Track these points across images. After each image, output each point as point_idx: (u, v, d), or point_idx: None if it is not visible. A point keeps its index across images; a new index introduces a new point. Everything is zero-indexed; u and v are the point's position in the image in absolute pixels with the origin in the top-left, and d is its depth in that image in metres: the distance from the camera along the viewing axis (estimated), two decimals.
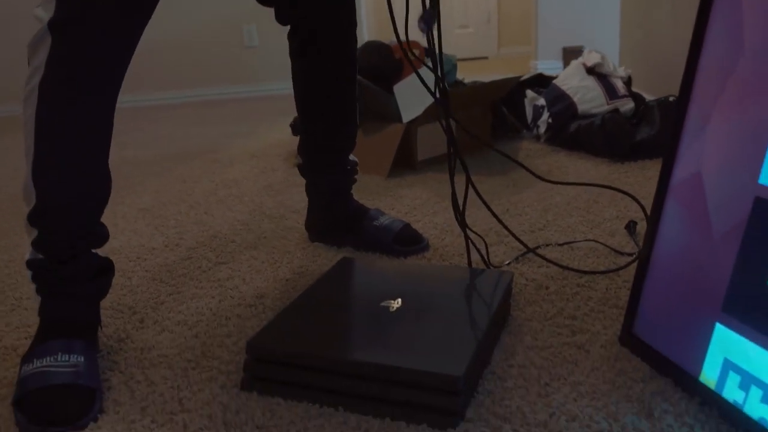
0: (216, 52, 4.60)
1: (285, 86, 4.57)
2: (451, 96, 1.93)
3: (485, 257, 1.25)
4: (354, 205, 1.38)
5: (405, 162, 2.01)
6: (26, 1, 4.32)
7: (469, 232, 1.40)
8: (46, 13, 0.86)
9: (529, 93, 2.43)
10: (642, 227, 1.36)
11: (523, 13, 6.78)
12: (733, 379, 0.74)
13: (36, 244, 0.94)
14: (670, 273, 0.84)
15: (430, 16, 1.03)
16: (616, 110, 2.12)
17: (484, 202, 1.15)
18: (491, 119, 2.29)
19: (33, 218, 0.92)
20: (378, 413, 0.79)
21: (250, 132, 2.98)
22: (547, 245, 1.30)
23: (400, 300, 0.94)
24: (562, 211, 1.50)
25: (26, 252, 0.96)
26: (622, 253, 1.23)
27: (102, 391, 0.88)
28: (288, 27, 1.27)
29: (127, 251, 1.45)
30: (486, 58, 6.97)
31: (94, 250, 0.99)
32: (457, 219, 1.11)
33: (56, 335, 0.91)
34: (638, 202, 1.10)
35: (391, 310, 0.91)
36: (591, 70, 2.28)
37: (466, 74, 3.50)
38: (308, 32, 1.24)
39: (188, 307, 1.13)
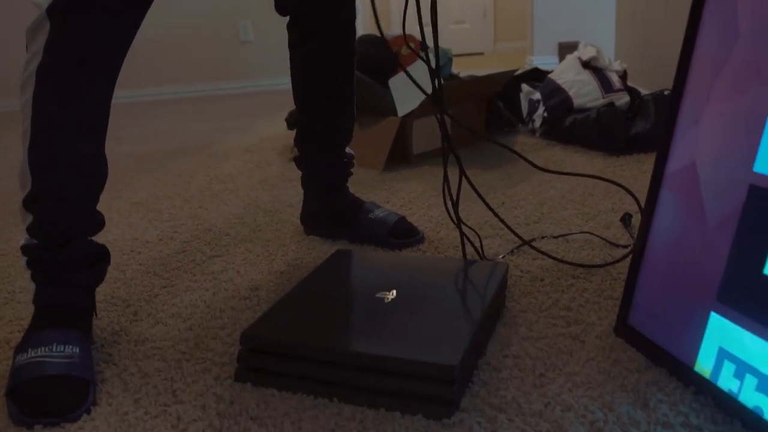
0: (211, 48, 4.59)
1: (280, 82, 4.56)
2: (445, 90, 1.93)
3: (479, 250, 1.24)
4: (349, 198, 1.37)
5: (400, 156, 2.01)
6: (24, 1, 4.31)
7: (463, 225, 1.39)
8: (44, 0, 0.86)
9: (525, 87, 2.43)
10: (637, 219, 1.36)
11: (518, 9, 6.78)
12: (728, 368, 0.74)
13: (31, 230, 0.93)
14: (664, 263, 0.84)
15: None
16: (611, 104, 2.12)
17: (478, 194, 1.15)
18: (486, 113, 2.28)
19: (28, 203, 0.92)
20: (373, 404, 0.78)
21: (245, 127, 2.98)
22: (543, 237, 1.30)
23: (394, 291, 0.94)
24: (557, 204, 1.50)
25: (21, 238, 0.95)
26: (617, 246, 1.23)
27: (96, 383, 0.87)
28: (287, 18, 1.27)
29: (121, 244, 1.44)
30: (482, 53, 6.97)
31: (89, 237, 0.98)
32: (448, 212, 1.11)
33: (52, 324, 0.90)
34: (632, 194, 1.10)
35: (385, 301, 0.91)
36: (586, 64, 2.28)
37: (461, 69, 3.49)
38: (308, 23, 1.24)
39: (182, 300, 1.12)
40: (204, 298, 1.12)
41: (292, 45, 1.28)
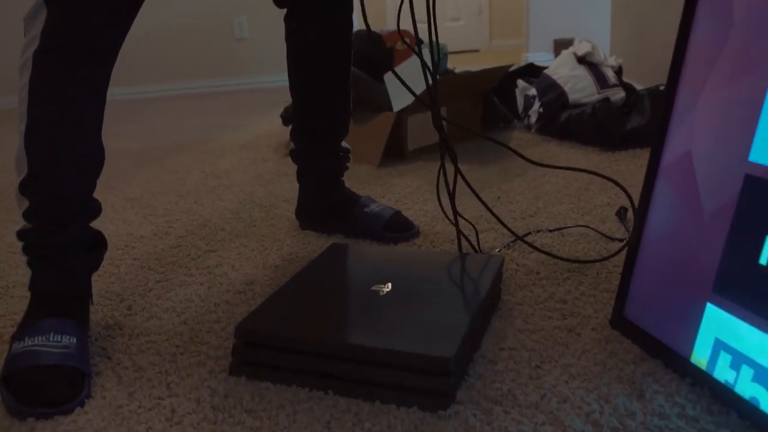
0: (206, 45, 4.58)
1: (275, 78, 4.55)
2: (440, 85, 1.92)
3: (475, 244, 1.24)
4: (345, 192, 1.37)
5: (396, 152, 2.00)
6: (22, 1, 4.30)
7: (459, 218, 1.39)
8: None
9: (520, 83, 2.43)
10: (632, 213, 1.36)
11: (514, 6, 6.78)
12: (724, 359, 0.73)
13: (27, 214, 0.93)
14: (660, 255, 0.84)
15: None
16: (606, 99, 2.12)
17: (471, 188, 1.14)
18: (482, 109, 2.28)
19: (24, 187, 0.91)
20: (368, 396, 0.78)
21: (241, 124, 2.97)
22: (538, 231, 1.30)
23: (390, 284, 0.94)
24: (553, 199, 1.50)
25: (17, 224, 0.95)
26: (613, 239, 1.23)
27: (91, 374, 0.87)
28: (282, 15, 1.27)
29: (115, 240, 1.43)
30: (477, 50, 6.97)
31: (86, 223, 0.98)
32: (441, 207, 1.11)
33: (49, 313, 0.90)
34: (623, 189, 1.10)
35: (381, 294, 0.91)
36: (582, 60, 2.28)
37: (457, 66, 3.49)
38: (304, 14, 1.24)
39: (177, 294, 1.12)
40: (199, 293, 1.12)
41: (289, 37, 1.28)
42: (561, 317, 0.95)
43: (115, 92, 4.44)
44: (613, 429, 0.70)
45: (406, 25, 5.56)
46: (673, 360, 0.80)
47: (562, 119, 2.14)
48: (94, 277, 1.21)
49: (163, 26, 4.46)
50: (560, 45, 4.19)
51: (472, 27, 6.95)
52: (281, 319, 0.85)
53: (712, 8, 0.78)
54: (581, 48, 2.31)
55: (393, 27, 2.47)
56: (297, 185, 1.74)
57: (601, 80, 2.22)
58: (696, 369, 0.77)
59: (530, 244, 1.13)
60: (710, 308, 0.75)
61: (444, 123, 1.72)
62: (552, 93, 2.22)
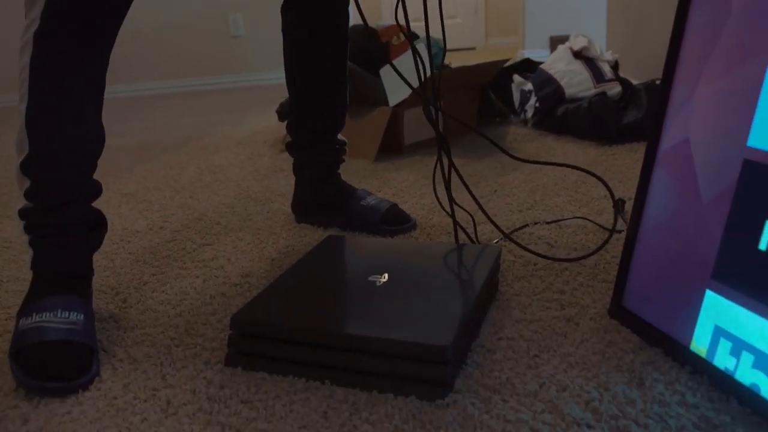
0: (202, 42, 4.57)
1: (271, 76, 4.54)
2: (436, 79, 1.92)
3: (472, 235, 1.24)
4: (341, 185, 1.36)
5: (392, 146, 2.00)
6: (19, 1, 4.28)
7: (457, 210, 1.38)
8: None
9: (516, 78, 2.42)
10: (630, 206, 1.35)
11: (510, 4, 6.78)
12: (724, 346, 0.73)
13: (28, 194, 0.93)
14: (658, 243, 0.83)
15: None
16: (603, 93, 2.11)
17: (462, 180, 1.14)
18: (478, 103, 2.28)
19: (25, 167, 0.92)
20: (365, 386, 0.77)
21: (237, 120, 2.96)
22: (536, 223, 1.29)
23: (386, 275, 0.93)
24: (550, 192, 1.49)
25: (18, 203, 0.96)
26: (610, 230, 1.22)
27: (99, 351, 0.88)
28: (278, 12, 1.26)
29: (110, 234, 1.42)
30: (473, 48, 6.97)
31: (87, 203, 0.99)
32: (437, 198, 1.10)
33: (55, 290, 0.91)
34: (605, 184, 1.08)
35: (377, 284, 0.90)
36: (578, 54, 2.27)
37: (453, 63, 3.48)
38: (301, 6, 1.23)
39: (172, 287, 1.11)
40: (194, 285, 1.11)
41: (286, 30, 1.27)
42: (559, 307, 0.94)
43: (111, 90, 4.43)
44: (612, 416, 0.69)
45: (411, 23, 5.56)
46: (672, 348, 0.80)
47: (559, 114, 2.13)
48: None
49: (158, 24, 4.45)
50: (556, 42, 4.19)
51: (468, 25, 6.95)
52: (277, 309, 0.85)
53: None
54: (577, 43, 2.31)
55: (389, 22, 2.46)
56: (293, 180, 1.74)
57: (597, 75, 2.21)
58: (696, 357, 0.76)
59: (518, 243, 1.12)
60: (709, 295, 0.75)
61: (439, 116, 1.71)
62: (548, 87, 2.22)
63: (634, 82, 2.27)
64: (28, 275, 1.21)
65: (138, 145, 2.51)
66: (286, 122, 1.38)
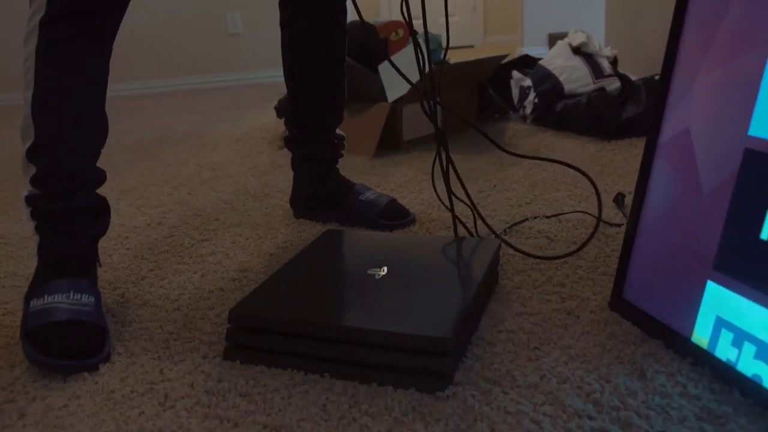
0: (200, 40, 4.56)
1: (270, 74, 4.53)
2: (434, 75, 1.91)
3: (471, 229, 1.23)
4: (340, 180, 1.36)
5: (391, 142, 1.99)
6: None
7: (457, 204, 1.38)
8: None
9: (515, 74, 2.42)
10: (630, 200, 1.35)
11: (508, 2, 6.77)
12: (725, 337, 0.72)
13: (34, 181, 0.95)
14: (659, 234, 0.83)
15: None
16: (602, 89, 2.11)
17: (457, 175, 1.13)
18: (477, 99, 2.27)
19: (31, 154, 0.94)
20: (364, 379, 0.77)
21: (235, 118, 2.95)
22: (535, 218, 1.29)
23: (385, 268, 0.92)
24: (549, 186, 1.49)
25: (24, 189, 0.97)
26: (611, 224, 1.22)
27: (109, 332, 0.90)
28: (276, 9, 1.26)
29: (108, 230, 1.42)
30: (472, 46, 6.96)
31: (92, 190, 1.00)
32: (436, 192, 1.10)
33: (63, 273, 0.92)
34: (590, 179, 1.07)
35: (376, 277, 0.89)
36: (577, 50, 2.27)
37: (452, 60, 3.48)
38: (300, 0, 1.23)
39: (170, 282, 1.10)
40: (192, 280, 1.10)
41: (284, 23, 1.27)
42: (559, 300, 0.94)
43: (108, 88, 4.41)
44: (614, 408, 0.68)
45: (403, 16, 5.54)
46: (673, 340, 0.79)
47: (558, 109, 2.13)
48: None
49: (156, 22, 4.44)
50: (555, 39, 4.18)
51: (466, 23, 6.94)
52: (276, 303, 0.84)
53: None
54: (576, 38, 2.30)
55: (387, 18, 2.46)
56: (291, 176, 1.73)
57: (596, 70, 2.21)
58: (697, 348, 0.76)
59: (509, 243, 1.11)
60: (711, 286, 0.74)
61: (438, 111, 1.71)
62: (547, 83, 2.21)
63: (633, 77, 2.27)
64: (25, 272, 1.20)
65: (136, 142, 2.51)
66: (284, 118, 1.38)
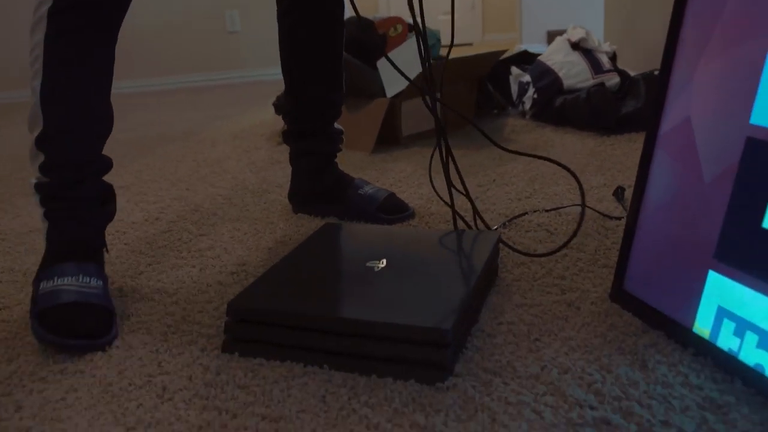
0: (198, 38, 4.55)
1: (268, 71, 4.53)
2: (433, 70, 1.90)
3: (470, 223, 1.23)
4: (338, 174, 1.35)
5: (390, 138, 1.98)
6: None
7: (457, 197, 1.37)
8: None
9: (514, 70, 2.41)
10: (630, 194, 1.34)
11: (507, 0, 6.76)
12: (727, 327, 0.72)
13: (43, 168, 0.97)
14: (660, 225, 0.82)
15: None
16: (601, 84, 2.10)
17: (457, 169, 1.13)
18: (476, 95, 2.27)
19: (40, 142, 0.96)
20: (364, 370, 0.76)
21: (233, 115, 2.95)
22: (535, 211, 1.28)
23: (384, 261, 0.92)
24: (549, 180, 1.48)
25: (32, 177, 1.00)
26: (611, 217, 1.21)
27: (116, 314, 0.93)
28: (274, 7, 1.26)
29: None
30: (470, 44, 6.96)
31: (99, 177, 1.03)
32: (433, 185, 1.09)
33: (71, 257, 0.95)
34: (573, 174, 1.07)
35: (376, 270, 0.89)
36: (576, 46, 2.26)
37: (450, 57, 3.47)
38: None
39: (168, 276, 1.10)
40: (190, 275, 1.10)
41: (281, 16, 1.26)
42: (560, 292, 0.93)
43: None
44: (615, 398, 0.68)
45: (404, 13, 5.53)
46: (675, 331, 0.79)
47: (557, 105, 2.12)
48: None
49: (154, 20, 4.43)
50: (554, 36, 4.18)
51: (465, 21, 6.94)
52: (274, 295, 0.83)
53: None
54: (575, 34, 2.30)
55: (385, 14, 2.45)
56: (290, 172, 1.72)
57: (595, 66, 2.20)
58: (699, 339, 0.75)
59: (506, 243, 1.11)
60: (712, 276, 0.74)
61: (438, 107, 1.70)
62: (546, 79, 2.21)
63: (632, 73, 2.26)
64: (22, 267, 1.20)
65: (133, 139, 2.50)
66: (282, 113, 1.37)
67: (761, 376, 0.67)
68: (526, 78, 2.30)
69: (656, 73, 2.07)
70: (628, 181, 1.43)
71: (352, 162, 1.81)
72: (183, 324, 0.92)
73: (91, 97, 0.97)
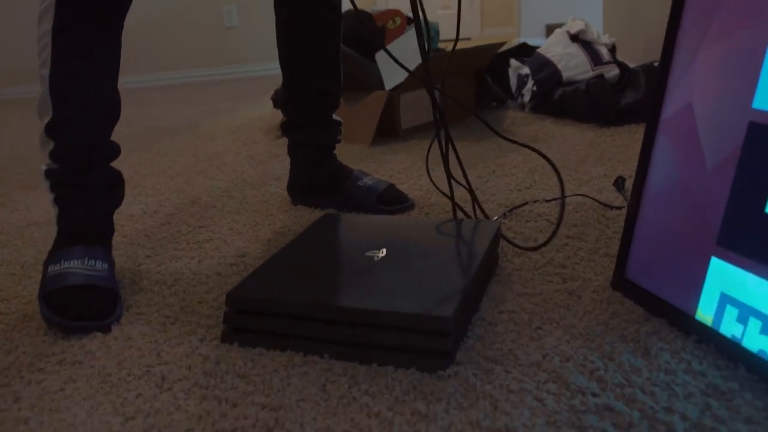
0: (196, 34, 4.54)
1: (266, 67, 4.52)
2: (432, 62, 1.90)
3: (469, 213, 1.22)
4: (337, 166, 1.34)
5: (389, 131, 1.98)
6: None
7: (456, 188, 1.37)
8: None
9: (513, 62, 2.40)
10: (631, 184, 1.34)
11: None
12: (730, 313, 0.71)
13: (53, 155, 0.99)
14: (661, 212, 0.82)
15: None
16: (601, 76, 2.10)
17: (459, 159, 1.12)
18: (475, 88, 2.26)
19: (49, 130, 0.98)
20: (364, 359, 0.75)
21: (231, 109, 2.94)
22: (535, 201, 1.27)
23: (384, 250, 0.91)
24: (549, 171, 1.48)
25: (42, 163, 1.02)
26: (611, 207, 1.21)
27: (121, 296, 0.95)
28: (271, 4, 1.25)
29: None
30: (469, 39, 6.94)
31: (107, 164, 1.05)
32: (429, 176, 1.09)
33: (79, 241, 0.98)
34: (554, 166, 1.06)
35: (375, 259, 0.88)
36: (575, 38, 2.25)
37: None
38: None
39: (167, 268, 1.09)
40: (189, 266, 1.09)
41: (278, 6, 1.25)
42: (561, 281, 0.93)
43: None
44: (618, 385, 0.67)
45: (402, 5, 5.52)
46: (677, 318, 0.78)
47: (556, 97, 2.12)
48: None
49: (152, 16, 4.42)
50: (552, 30, 4.17)
51: (463, 15, 6.92)
52: (274, 285, 0.83)
53: None
54: (574, 26, 2.29)
55: (383, 7, 2.44)
56: (289, 165, 1.72)
57: (594, 57, 2.19)
58: (701, 326, 0.75)
59: (505, 237, 1.10)
60: (715, 262, 0.73)
61: (438, 97, 1.69)
62: (546, 71, 2.20)
63: (631, 65, 2.26)
64: (20, 260, 1.19)
65: (131, 134, 2.49)
66: (281, 110, 1.36)
67: (765, 362, 0.67)
68: (525, 70, 2.29)
69: (656, 64, 2.07)
70: (629, 172, 1.43)
71: (351, 155, 1.80)
72: (182, 315, 0.91)
73: (98, 84, 0.99)
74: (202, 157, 1.97)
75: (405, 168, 1.61)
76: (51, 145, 0.99)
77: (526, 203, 1.27)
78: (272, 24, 1.30)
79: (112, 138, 1.09)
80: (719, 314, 0.73)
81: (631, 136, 1.77)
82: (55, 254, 0.96)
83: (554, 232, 0.93)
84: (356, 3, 4.79)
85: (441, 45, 5.19)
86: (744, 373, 0.68)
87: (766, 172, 0.67)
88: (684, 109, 0.78)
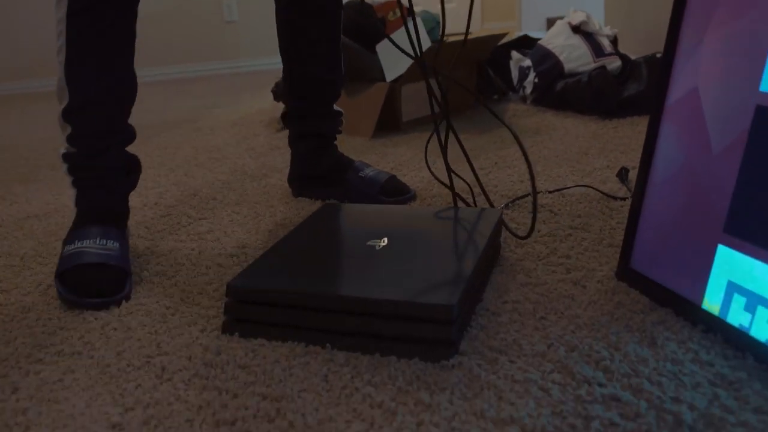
0: (195, 28, 4.52)
1: (266, 61, 4.50)
2: (433, 53, 1.88)
3: (471, 204, 1.21)
4: (338, 157, 1.33)
5: (390, 123, 1.96)
6: None
7: (456, 179, 1.36)
8: None
9: (515, 54, 2.39)
10: (634, 175, 1.33)
11: None
12: (738, 302, 0.70)
13: (70, 139, 1.03)
14: (667, 200, 0.81)
15: None
16: (602, 67, 2.08)
17: (462, 147, 1.11)
18: (477, 81, 2.25)
19: (67, 114, 1.01)
20: (366, 349, 0.75)
21: (232, 103, 2.93)
22: (538, 192, 1.26)
23: (386, 239, 0.90)
24: (552, 163, 1.47)
25: (61, 147, 1.05)
26: (615, 198, 1.20)
27: (131, 274, 0.98)
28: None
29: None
30: (470, 33, 6.92)
31: (123, 148, 1.08)
32: (429, 167, 1.07)
33: (94, 222, 1.02)
34: (528, 161, 1.05)
35: (377, 248, 0.87)
36: (577, 29, 2.24)
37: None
38: None
39: (167, 259, 1.08)
40: (189, 257, 1.08)
41: None
42: (565, 271, 0.92)
43: None
44: (624, 375, 0.66)
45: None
46: (684, 308, 0.77)
47: (558, 89, 2.10)
48: None
49: (152, 10, 4.40)
50: (553, 23, 4.15)
51: (464, 9, 6.89)
52: (275, 275, 0.82)
53: None
54: (576, 17, 2.27)
55: None
56: (289, 157, 1.71)
57: (596, 49, 2.18)
58: (708, 315, 0.74)
59: (506, 226, 1.09)
60: (722, 250, 0.72)
61: (439, 86, 1.68)
62: (547, 63, 2.18)
63: (633, 57, 2.24)
64: (20, 251, 1.18)
65: None
66: (281, 103, 1.35)
67: None
68: (527, 62, 2.28)
69: (658, 55, 2.05)
70: (632, 163, 1.42)
71: (352, 147, 1.79)
72: (182, 305, 0.91)
73: (114, 69, 1.01)
74: (202, 149, 1.96)
75: (406, 160, 1.60)
76: (68, 129, 1.01)
77: (529, 194, 1.26)
78: (272, 18, 1.30)
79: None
80: (726, 303, 0.72)
81: (634, 128, 1.76)
82: (72, 234, 1.00)
83: (532, 226, 0.93)
84: None
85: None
86: (752, 362, 0.67)
87: None
88: (689, 94, 0.77)
